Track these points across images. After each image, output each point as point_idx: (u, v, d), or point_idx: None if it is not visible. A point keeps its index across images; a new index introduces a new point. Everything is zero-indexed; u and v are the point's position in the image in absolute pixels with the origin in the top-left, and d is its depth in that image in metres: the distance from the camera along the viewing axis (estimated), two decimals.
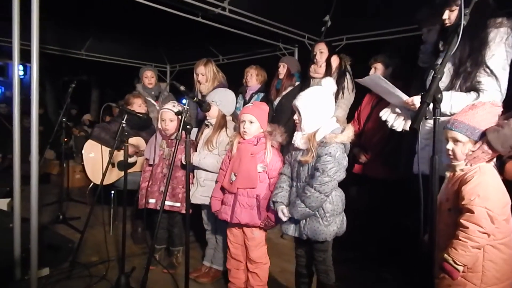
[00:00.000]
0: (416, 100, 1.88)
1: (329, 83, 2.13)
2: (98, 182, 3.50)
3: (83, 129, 7.06)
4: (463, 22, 1.37)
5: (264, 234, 2.48)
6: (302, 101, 2.06)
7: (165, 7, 3.42)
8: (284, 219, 2.11)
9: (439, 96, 1.28)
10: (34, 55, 2.44)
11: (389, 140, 2.90)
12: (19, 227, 2.56)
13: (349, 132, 1.99)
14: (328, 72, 3.26)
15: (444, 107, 1.81)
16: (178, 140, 2.09)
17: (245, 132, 2.36)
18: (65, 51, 5.53)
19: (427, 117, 1.30)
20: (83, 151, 3.49)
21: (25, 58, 2.56)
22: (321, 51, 3.31)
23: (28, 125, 2.67)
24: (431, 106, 1.35)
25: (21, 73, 10.85)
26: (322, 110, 2.06)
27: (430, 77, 2.08)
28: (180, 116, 2.13)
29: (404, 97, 2.01)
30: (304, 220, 2.06)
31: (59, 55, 5.53)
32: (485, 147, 1.59)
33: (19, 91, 2.61)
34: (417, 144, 1.37)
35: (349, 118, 3.33)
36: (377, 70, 3.08)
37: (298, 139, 2.08)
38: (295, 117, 2.10)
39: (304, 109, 2.03)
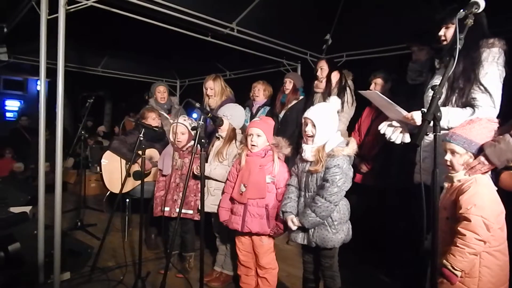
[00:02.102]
0: (416, 115, 1.92)
1: (336, 101, 2.20)
2: (114, 191, 3.55)
3: (97, 140, 7.15)
4: (458, 47, 1.42)
5: (272, 241, 2.50)
6: (317, 114, 2.11)
7: (179, 28, 3.51)
8: (294, 228, 2.13)
9: (438, 114, 1.32)
10: (60, 73, 2.51)
11: (383, 152, 2.96)
12: (43, 233, 2.60)
13: (354, 145, 2.06)
14: (328, 87, 3.32)
15: (442, 122, 1.85)
16: (193, 153, 2.14)
17: (253, 145, 2.40)
18: (83, 68, 5.64)
19: (428, 133, 1.35)
20: (102, 161, 3.54)
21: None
22: (321, 67, 3.38)
23: (48, 137, 2.72)
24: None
25: (39, 87, 11.05)
26: (331, 124, 2.12)
27: (428, 93, 2.14)
28: (195, 131, 2.18)
29: (404, 112, 2.05)
30: (313, 229, 2.09)
31: (77, 72, 5.63)
32: (483, 160, 1.64)
33: (45, 105, 2.66)
34: (420, 157, 1.41)
35: (349, 130, 3.39)
36: (377, 85, 3.14)
37: (308, 152, 2.12)
38: (307, 128, 2.13)
39: (319, 121, 2.08)
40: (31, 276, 2.53)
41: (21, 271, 2.21)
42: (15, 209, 3.26)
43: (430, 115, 1.31)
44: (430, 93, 2.00)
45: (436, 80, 2.10)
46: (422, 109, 1.38)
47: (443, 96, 2.03)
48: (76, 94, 4.16)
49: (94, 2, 2.74)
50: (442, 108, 1.90)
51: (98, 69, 5.98)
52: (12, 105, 11.14)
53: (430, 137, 1.86)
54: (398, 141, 2.12)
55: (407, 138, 2.01)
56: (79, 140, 4.34)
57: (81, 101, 4.17)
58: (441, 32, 2.03)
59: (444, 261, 1.63)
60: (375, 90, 2.89)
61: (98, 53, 5.53)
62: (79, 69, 5.58)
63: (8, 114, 11.05)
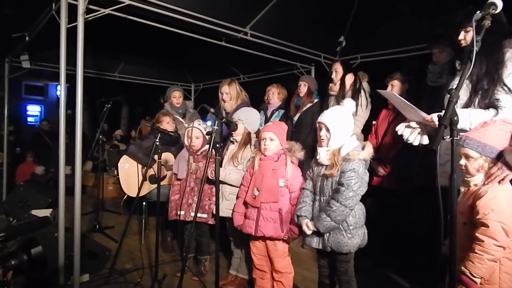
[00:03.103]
0: (435, 118, 1.88)
1: (350, 103, 2.18)
2: (131, 194, 3.62)
3: (113, 144, 7.30)
4: (475, 49, 1.39)
5: (287, 245, 2.50)
6: (330, 118, 2.11)
7: (193, 33, 3.56)
8: (309, 232, 2.13)
9: (455, 118, 1.30)
10: (79, 79, 2.58)
11: (403, 155, 2.91)
12: (63, 236, 2.68)
13: (370, 149, 2.04)
14: (342, 90, 3.30)
15: (464, 123, 1.82)
16: (208, 158, 2.16)
17: (266, 149, 2.41)
18: (100, 73, 5.78)
19: (445, 138, 1.33)
20: (118, 165, 3.61)
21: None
22: (336, 70, 3.36)
23: (67, 141, 2.79)
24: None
25: (59, 92, 11.37)
26: (346, 127, 2.11)
27: (447, 95, 2.10)
28: (210, 136, 2.20)
29: (423, 114, 2.02)
30: (328, 233, 2.08)
31: (95, 77, 5.78)
32: (504, 167, 1.60)
33: (65, 110, 2.73)
34: (437, 161, 1.39)
35: (364, 132, 3.36)
36: (394, 87, 3.10)
37: (323, 155, 2.11)
38: (322, 133, 2.13)
39: (333, 126, 2.08)
40: (52, 278, 2.60)
41: (42, 274, 2.27)
42: (37, 212, 3.37)
43: (447, 120, 1.29)
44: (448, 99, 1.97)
45: (456, 82, 2.06)
46: (439, 114, 1.36)
47: (465, 98, 1.99)
48: (94, 99, 4.25)
49: (111, 10, 2.81)
50: (463, 110, 1.89)
51: (115, 75, 6.14)
52: (34, 110, 11.49)
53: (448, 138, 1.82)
54: (416, 143, 2.08)
55: (426, 140, 1.98)
56: (97, 144, 4.44)
57: (99, 106, 4.25)
58: (461, 36, 2.00)
59: (463, 268, 1.59)
60: (393, 92, 2.85)
61: (115, 59, 5.67)
62: (97, 74, 5.73)
63: (29, 119, 11.40)
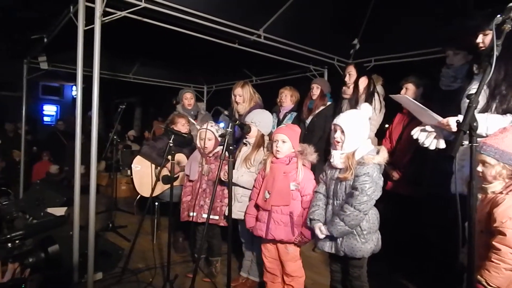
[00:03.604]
0: (452, 121, 1.85)
1: (368, 108, 2.17)
2: (144, 194, 3.65)
3: (126, 144, 7.39)
4: (495, 53, 1.36)
5: (298, 249, 2.48)
6: (346, 121, 2.09)
7: (207, 36, 3.58)
8: (322, 236, 2.11)
9: (474, 124, 1.27)
10: (96, 81, 2.62)
11: (416, 159, 2.88)
12: (77, 234, 2.72)
13: (384, 154, 2.02)
14: (355, 93, 3.27)
15: (480, 129, 1.78)
16: (222, 160, 2.17)
17: (277, 151, 2.40)
18: (115, 75, 5.87)
19: (463, 144, 1.30)
20: (132, 166, 3.66)
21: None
22: (350, 73, 3.34)
23: (83, 141, 2.83)
24: None
25: (74, 93, 11.59)
26: (361, 131, 2.09)
27: (464, 99, 2.06)
28: (223, 138, 2.21)
29: (438, 117, 1.98)
30: (341, 237, 2.06)
31: (109, 78, 5.87)
32: None
33: (81, 110, 2.77)
34: (455, 167, 1.36)
35: (378, 136, 3.33)
36: (408, 90, 3.06)
37: (337, 158, 2.09)
38: (336, 135, 2.11)
39: (348, 128, 2.06)
40: (66, 276, 2.64)
41: (58, 271, 2.32)
42: (52, 210, 3.42)
43: (466, 125, 1.26)
44: (466, 100, 1.93)
45: (474, 87, 2.02)
46: (458, 120, 1.34)
47: (482, 103, 1.96)
48: (108, 99, 4.34)
49: (127, 13, 2.85)
50: (480, 115, 1.85)
51: (129, 76, 6.23)
52: (50, 109, 11.74)
53: (464, 143, 1.79)
54: (432, 147, 2.04)
55: (442, 144, 1.94)
56: (111, 145, 4.50)
57: (113, 107, 4.32)
58: (479, 39, 1.97)
59: (479, 277, 1.56)
60: (406, 95, 2.81)
61: (130, 60, 5.75)
62: (111, 76, 5.81)
63: (46, 119, 11.65)
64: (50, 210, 3.41)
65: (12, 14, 3.84)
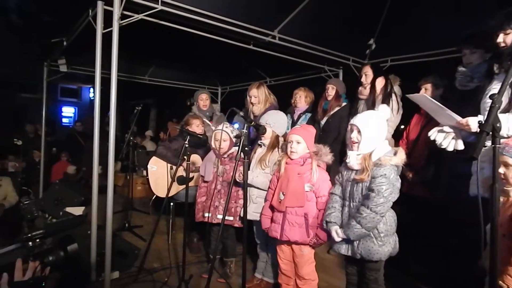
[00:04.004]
0: (471, 121, 1.80)
1: (386, 110, 2.14)
2: (160, 195, 3.69)
3: (142, 145, 7.50)
4: None
5: (313, 251, 2.46)
6: (363, 121, 2.07)
7: (222, 37, 3.60)
8: (338, 239, 2.09)
9: (498, 125, 1.23)
10: (113, 83, 2.67)
11: (432, 161, 2.82)
12: (95, 233, 2.77)
13: (402, 155, 1.98)
14: (372, 94, 3.23)
15: (502, 130, 1.73)
16: (237, 161, 2.17)
17: (292, 152, 2.39)
18: (131, 76, 5.96)
19: (486, 146, 1.26)
20: (148, 166, 3.70)
21: (94, 82, 2.81)
22: (366, 73, 3.28)
23: (100, 141, 2.88)
24: None
25: (92, 95, 11.85)
26: (379, 132, 2.06)
27: (485, 100, 2.01)
28: (239, 139, 2.21)
29: (457, 117, 1.94)
30: (358, 240, 2.03)
31: (126, 80, 5.96)
32: None
33: (99, 112, 2.82)
34: (477, 169, 1.32)
35: (395, 138, 3.28)
36: (427, 91, 3.01)
37: (353, 159, 2.07)
38: (353, 135, 2.09)
39: (365, 129, 2.04)
40: (84, 274, 2.69)
41: (76, 270, 2.36)
42: (70, 209, 3.50)
43: (489, 126, 1.22)
44: (488, 100, 1.88)
45: (495, 87, 1.97)
46: (480, 120, 1.30)
47: (504, 103, 1.90)
48: (124, 101, 4.40)
49: (144, 15, 2.89)
50: (501, 115, 1.79)
51: (145, 78, 6.32)
52: (68, 111, 12.03)
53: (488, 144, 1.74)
54: (450, 148, 2.00)
55: (460, 145, 1.89)
56: (128, 145, 4.57)
57: (130, 108, 4.39)
58: (500, 39, 1.91)
59: (500, 282, 1.51)
60: (424, 94, 2.76)
61: (146, 63, 5.83)
62: (128, 78, 5.91)
63: (64, 120, 11.94)
64: (68, 209, 3.49)
65: (33, 18, 3.96)
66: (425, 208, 2.91)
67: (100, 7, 2.73)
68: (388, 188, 1.94)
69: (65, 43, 4.06)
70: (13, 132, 7.00)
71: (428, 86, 3.03)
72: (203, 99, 4.25)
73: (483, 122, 1.25)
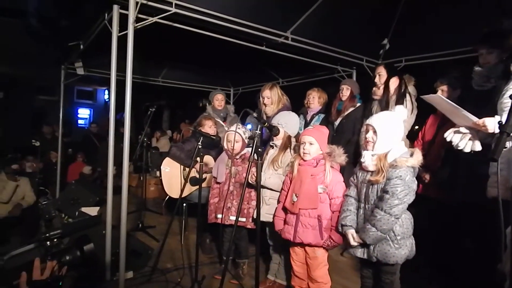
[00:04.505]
0: (488, 121, 1.75)
1: (402, 111, 2.11)
2: (173, 196, 3.72)
3: (155, 146, 7.58)
4: None
5: (326, 253, 2.44)
6: (379, 121, 2.04)
7: (234, 39, 3.61)
8: (354, 243, 2.06)
9: None
10: (128, 85, 2.70)
11: (448, 162, 2.76)
12: (110, 233, 2.80)
13: (418, 156, 1.95)
14: (386, 94, 3.18)
15: None
16: (250, 162, 2.17)
17: (305, 153, 2.37)
18: (145, 78, 6.04)
19: (506, 146, 1.23)
20: (161, 167, 3.73)
21: (109, 84, 2.85)
22: (379, 73, 3.24)
23: (114, 143, 2.92)
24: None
25: (106, 97, 12.05)
26: (395, 133, 2.03)
27: (503, 100, 1.95)
28: (252, 140, 2.21)
29: (473, 118, 1.89)
30: (374, 244, 2.00)
31: (140, 82, 6.04)
32: None
33: (114, 113, 2.86)
34: (498, 171, 1.28)
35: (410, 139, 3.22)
36: (444, 93, 2.95)
37: (368, 159, 2.04)
38: (368, 135, 2.07)
39: (381, 129, 2.01)
40: (99, 274, 2.73)
41: (92, 269, 2.40)
42: (86, 209, 3.57)
43: (510, 127, 1.19)
44: (506, 100, 1.83)
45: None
46: (499, 121, 1.26)
47: None
48: (136, 102, 4.43)
49: (158, 18, 2.92)
50: None
51: (158, 80, 6.40)
52: (84, 113, 12.26)
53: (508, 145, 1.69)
54: (467, 149, 1.96)
55: (478, 146, 1.85)
56: (141, 147, 4.62)
57: (144, 110, 4.43)
58: None
59: None
60: (439, 95, 2.70)
61: (159, 65, 5.90)
62: (142, 79, 5.98)
63: (80, 121, 12.18)
64: (84, 209, 3.56)
65: (51, 22, 4.05)
66: (442, 210, 2.85)
67: (116, 10, 2.77)
68: (404, 189, 1.91)
69: (81, 46, 4.14)
70: (31, 133, 7.18)
71: (445, 87, 2.97)
72: (218, 99, 4.27)
73: (503, 123, 1.21)
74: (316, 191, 2.31)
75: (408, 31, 3.92)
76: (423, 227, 2.80)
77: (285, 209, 2.47)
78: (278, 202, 2.58)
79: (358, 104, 3.51)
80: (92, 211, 3.52)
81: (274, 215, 2.56)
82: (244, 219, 2.90)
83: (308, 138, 2.38)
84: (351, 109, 3.48)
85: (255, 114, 2.28)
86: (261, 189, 2.74)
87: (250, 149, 2.42)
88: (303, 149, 2.38)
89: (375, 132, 2.02)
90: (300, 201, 2.31)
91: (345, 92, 3.54)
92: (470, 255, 2.69)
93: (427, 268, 2.92)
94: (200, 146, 2.70)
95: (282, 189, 2.57)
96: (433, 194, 2.94)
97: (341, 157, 2.36)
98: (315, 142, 2.36)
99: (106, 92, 11.81)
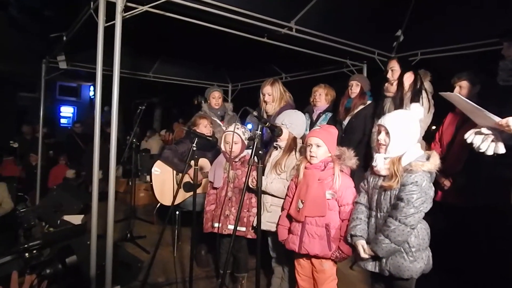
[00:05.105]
0: None
1: (418, 109, 2.10)
2: (165, 203, 3.71)
3: (145, 148, 7.59)
4: None
5: (335, 266, 2.43)
6: (392, 121, 2.04)
7: (233, 30, 3.61)
8: (365, 256, 2.05)
9: None
10: (116, 80, 2.70)
11: (469, 166, 2.76)
12: (95, 244, 2.79)
13: (436, 160, 1.94)
14: (399, 91, 3.17)
15: None
16: (250, 165, 2.16)
17: (312, 156, 2.37)
18: (134, 73, 6.04)
19: None
20: (153, 171, 3.72)
21: (94, 79, 2.85)
22: (392, 68, 3.23)
23: (100, 144, 2.91)
24: None
25: (92, 93, 12.07)
26: (410, 134, 2.03)
27: None
28: (252, 141, 2.20)
29: (496, 118, 1.89)
30: (387, 256, 1.99)
31: (128, 77, 6.04)
32: None
33: (100, 112, 2.85)
34: None
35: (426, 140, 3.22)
36: (462, 89, 2.95)
37: (380, 162, 2.03)
38: (380, 137, 2.06)
39: (394, 130, 2.01)
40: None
41: (75, 283, 2.39)
42: (69, 217, 3.56)
43: None
44: None
45: None
46: None
47: None
48: (126, 99, 4.41)
49: (149, 7, 2.92)
50: None
51: (149, 75, 6.40)
52: (67, 111, 12.28)
53: None
54: (489, 152, 1.94)
55: (501, 149, 1.84)
56: (130, 148, 4.61)
57: (132, 108, 4.43)
58: None
59: None
60: (457, 94, 2.71)
61: (150, 58, 5.90)
62: (131, 74, 5.99)
63: (62, 121, 12.19)
64: (67, 217, 3.55)
65: (34, 13, 4.06)
66: (462, 218, 2.84)
67: None
68: (420, 197, 1.90)
69: (65, 38, 4.14)
70: (10, 133, 7.17)
71: (463, 83, 2.97)
72: (215, 97, 4.26)
73: None
74: (323, 197, 2.30)
75: (424, 21, 3.92)
76: (442, 238, 2.82)
77: (289, 217, 2.46)
78: (282, 209, 2.57)
79: (369, 102, 3.51)
80: (76, 219, 3.51)
81: (277, 224, 2.56)
82: (243, 228, 2.89)
83: (315, 140, 2.37)
84: (361, 107, 3.48)
85: (255, 113, 2.27)
86: (263, 195, 2.74)
87: (250, 151, 2.41)
88: (310, 151, 2.37)
89: (387, 133, 2.01)
90: (306, 208, 2.31)
91: (355, 88, 3.53)
92: (495, 266, 2.67)
93: (446, 282, 2.91)
94: (194, 148, 2.69)
95: (286, 195, 2.56)
96: (453, 200, 2.93)
97: (352, 160, 2.35)
98: (323, 144, 2.36)
99: (92, 88, 11.83)
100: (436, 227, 2.82)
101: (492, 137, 1.90)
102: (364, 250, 2.05)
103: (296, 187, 2.44)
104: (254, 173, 2.47)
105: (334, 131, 2.50)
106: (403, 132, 2.01)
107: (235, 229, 2.32)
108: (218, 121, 4.10)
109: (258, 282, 2.22)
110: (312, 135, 2.42)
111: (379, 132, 2.08)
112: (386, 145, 2.02)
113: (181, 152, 3.65)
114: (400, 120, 2.04)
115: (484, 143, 1.91)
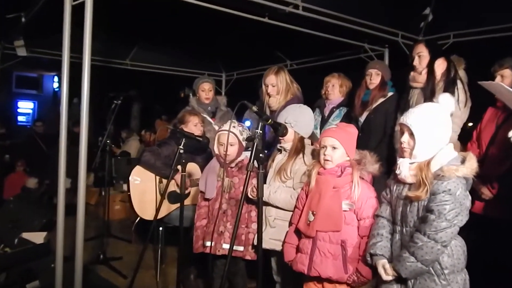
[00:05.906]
0: None
1: (447, 101, 2.09)
2: (145, 217, 3.72)
3: (123, 151, 7.59)
4: None
5: None
6: (416, 119, 2.04)
7: (226, 8, 3.62)
8: (387, 278, 2.05)
9: None
10: (86, 70, 2.71)
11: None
12: (61, 268, 2.80)
13: (473, 163, 1.94)
14: (430, 81, 3.19)
15: None
16: (248, 171, 2.17)
17: (326, 160, 2.38)
18: (108, 61, 6.06)
19: None
20: (130, 178, 3.74)
21: (59, 69, 2.86)
22: (419, 54, 3.25)
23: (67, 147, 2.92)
24: None
25: (56, 85, 12.06)
26: (439, 133, 2.03)
27: None
28: (251, 142, 2.21)
29: None
30: (412, 278, 2.00)
31: (100, 66, 6.05)
32: None
33: (67, 107, 2.86)
34: None
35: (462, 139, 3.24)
36: (505, 79, 2.98)
37: (405, 169, 2.04)
38: (403, 139, 2.07)
39: (419, 130, 2.01)
40: None
41: None
42: (28, 235, 3.56)
43: None
44: None
45: None
46: None
47: None
48: (98, 92, 4.40)
49: None
50: None
51: (126, 62, 6.42)
52: (25, 107, 12.25)
53: None
54: None
55: None
56: (103, 151, 4.62)
57: (106, 102, 4.44)
58: None
59: None
60: (500, 83, 2.73)
61: (127, 42, 5.92)
62: (104, 62, 6.00)
63: (20, 118, 12.16)
64: (25, 235, 3.55)
65: None
66: (505, 234, 2.85)
67: None
68: (454, 208, 1.91)
69: (23, 19, 4.14)
70: None
71: (506, 72, 3.01)
72: (205, 90, 4.28)
73: None
74: (339, 208, 2.31)
75: None
76: (481, 258, 2.83)
77: (298, 233, 2.47)
78: (290, 224, 2.58)
79: (390, 94, 3.53)
80: (37, 237, 3.52)
81: (283, 242, 2.56)
82: (241, 248, 2.90)
83: (330, 141, 2.38)
84: (380, 100, 3.50)
85: (255, 108, 2.28)
86: (265, 207, 2.74)
87: (248, 154, 2.42)
88: (324, 154, 2.38)
89: (411, 134, 2.02)
90: (318, 221, 2.31)
91: (374, 78, 3.55)
92: None
93: None
94: (182, 151, 2.70)
95: (295, 207, 2.57)
96: (494, 213, 2.95)
97: (374, 166, 2.37)
98: (340, 146, 2.37)
99: (56, 79, 11.82)
100: (474, 244, 2.85)
101: None
102: (385, 271, 2.05)
103: (306, 196, 2.45)
104: (254, 181, 2.48)
105: (353, 131, 2.51)
106: (431, 132, 2.01)
107: (231, 248, 2.32)
108: (209, 118, 4.12)
109: None
110: (327, 135, 2.43)
111: (401, 133, 2.09)
112: (411, 148, 2.03)
113: (165, 156, 3.66)
114: (426, 116, 2.04)
115: None
